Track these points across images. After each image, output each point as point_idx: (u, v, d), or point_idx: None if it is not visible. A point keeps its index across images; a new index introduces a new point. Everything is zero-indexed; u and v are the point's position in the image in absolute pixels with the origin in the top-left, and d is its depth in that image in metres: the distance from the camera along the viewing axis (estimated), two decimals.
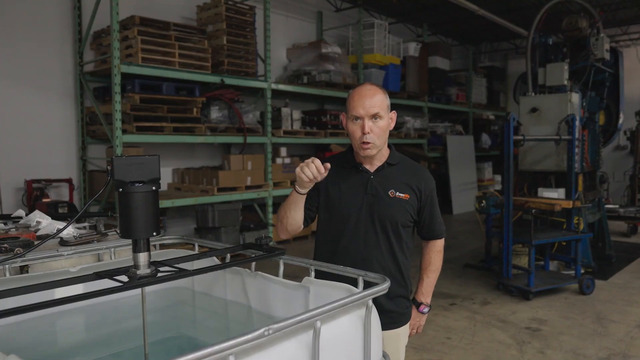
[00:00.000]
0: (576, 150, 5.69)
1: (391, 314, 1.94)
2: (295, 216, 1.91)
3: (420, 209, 2.01)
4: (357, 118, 1.88)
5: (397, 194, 1.95)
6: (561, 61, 6.35)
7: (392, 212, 1.94)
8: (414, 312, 2.11)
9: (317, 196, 1.99)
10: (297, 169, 1.75)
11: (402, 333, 2.05)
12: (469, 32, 12.50)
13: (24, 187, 5.67)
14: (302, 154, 8.88)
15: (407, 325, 2.08)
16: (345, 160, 2.02)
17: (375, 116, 1.87)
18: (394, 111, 1.97)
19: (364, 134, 1.87)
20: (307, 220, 2.00)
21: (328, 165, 1.75)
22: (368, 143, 1.87)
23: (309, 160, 1.73)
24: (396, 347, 2.00)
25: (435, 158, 11.17)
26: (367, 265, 1.90)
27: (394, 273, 1.96)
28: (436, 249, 2.11)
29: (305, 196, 1.87)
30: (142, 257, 1.39)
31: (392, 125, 1.96)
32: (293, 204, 1.89)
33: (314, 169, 1.72)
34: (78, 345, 1.81)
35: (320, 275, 1.68)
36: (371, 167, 1.99)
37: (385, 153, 2.00)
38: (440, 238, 2.11)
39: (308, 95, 8.47)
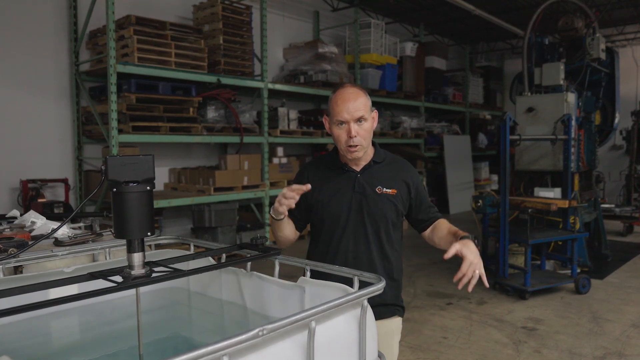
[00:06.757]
0: (572, 150, 5.70)
1: (378, 307, 1.92)
2: (285, 235, 2.00)
3: (410, 200, 2.03)
4: (342, 122, 1.90)
5: (384, 190, 1.97)
6: (557, 61, 6.37)
7: (380, 209, 1.97)
8: (472, 249, 1.70)
9: (303, 202, 1.95)
10: (276, 204, 1.83)
11: (395, 329, 2.06)
12: (466, 32, 12.51)
13: (20, 187, 5.64)
14: (299, 153, 8.88)
15: (400, 321, 2.08)
16: (331, 162, 2.05)
17: (360, 119, 1.89)
18: (375, 110, 1.99)
19: (350, 137, 1.88)
20: (300, 227, 2.07)
21: (308, 186, 1.80)
22: (355, 146, 1.90)
23: (283, 192, 1.80)
24: (389, 344, 2.01)
25: (432, 158, 11.18)
26: (358, 262, 1.93)
27: (385, 268, 1.98)
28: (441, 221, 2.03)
29: (285, 217, 1.92)
30: (137, 257, 1.38)
31: (375, 124, 1.97)
32: (277, 228, 1.96)
33: (289, 195, 1.78)
34: (72, 346, 1.80)
35: (315, 275, 1.68)
36: (357, 167, 2.01)
37: (370, 152, 2.02)
38: (439, 219, 2.05)
39: (305, 95, 8.47)
